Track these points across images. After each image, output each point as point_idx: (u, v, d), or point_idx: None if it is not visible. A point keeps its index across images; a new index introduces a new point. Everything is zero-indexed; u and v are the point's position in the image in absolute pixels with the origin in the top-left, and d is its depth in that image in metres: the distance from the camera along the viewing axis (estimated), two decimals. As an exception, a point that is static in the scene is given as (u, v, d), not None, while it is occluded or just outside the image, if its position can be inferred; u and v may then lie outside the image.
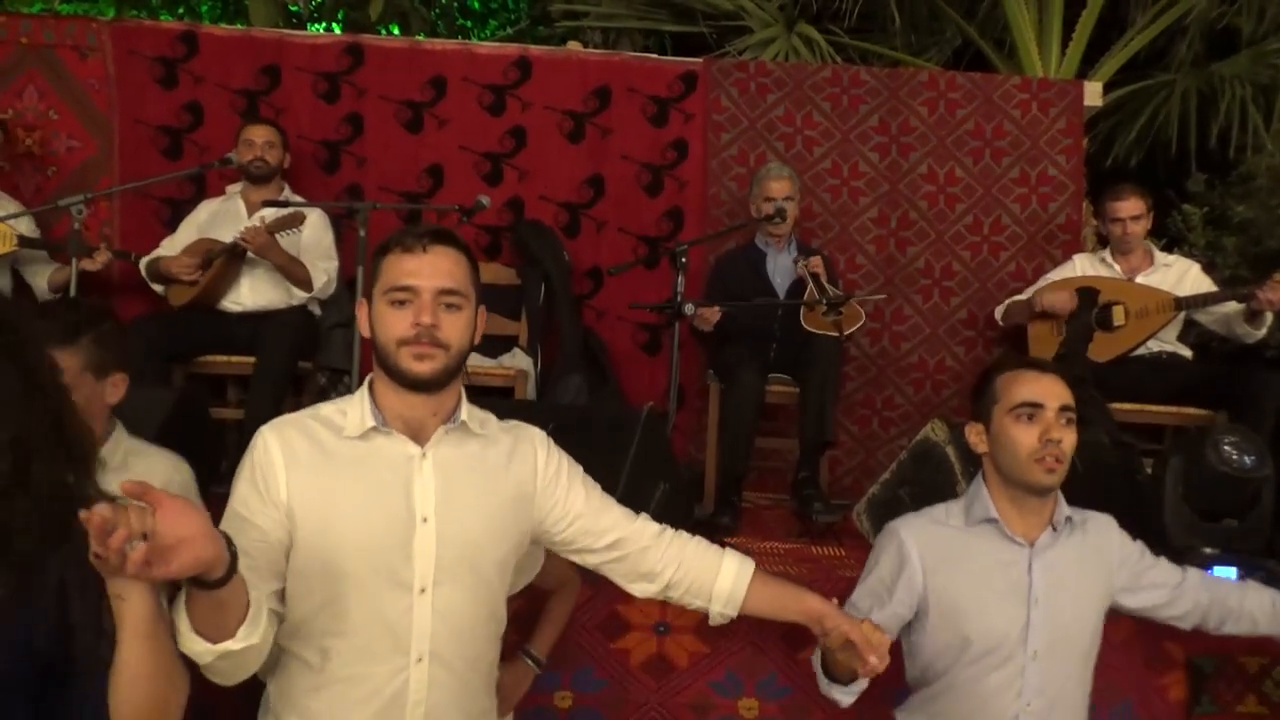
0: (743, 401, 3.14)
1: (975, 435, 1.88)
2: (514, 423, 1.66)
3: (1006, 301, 3.92)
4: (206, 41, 4.04)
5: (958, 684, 1.84)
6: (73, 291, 3.24)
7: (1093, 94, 4.31)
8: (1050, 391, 1.79)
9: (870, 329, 4.12)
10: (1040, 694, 1.79)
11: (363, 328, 1.53)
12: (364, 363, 3.28)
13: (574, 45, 4.28)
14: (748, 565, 1.67)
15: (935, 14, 5.80)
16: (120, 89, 3.99)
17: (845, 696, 1.79)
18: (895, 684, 2.00)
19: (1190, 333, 3.81)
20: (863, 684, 1.76)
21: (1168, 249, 4.43)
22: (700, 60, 4.26)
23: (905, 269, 4.20)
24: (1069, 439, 1.78)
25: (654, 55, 4.34)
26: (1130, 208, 3.65)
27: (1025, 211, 4.24)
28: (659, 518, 2.32)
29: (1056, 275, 3.85)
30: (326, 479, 1.47)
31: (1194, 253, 5.21)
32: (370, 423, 1.49)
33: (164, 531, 1.11)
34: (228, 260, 3.44)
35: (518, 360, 3.73)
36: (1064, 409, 1.79)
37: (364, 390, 1.53)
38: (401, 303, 1.46)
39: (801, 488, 3.16)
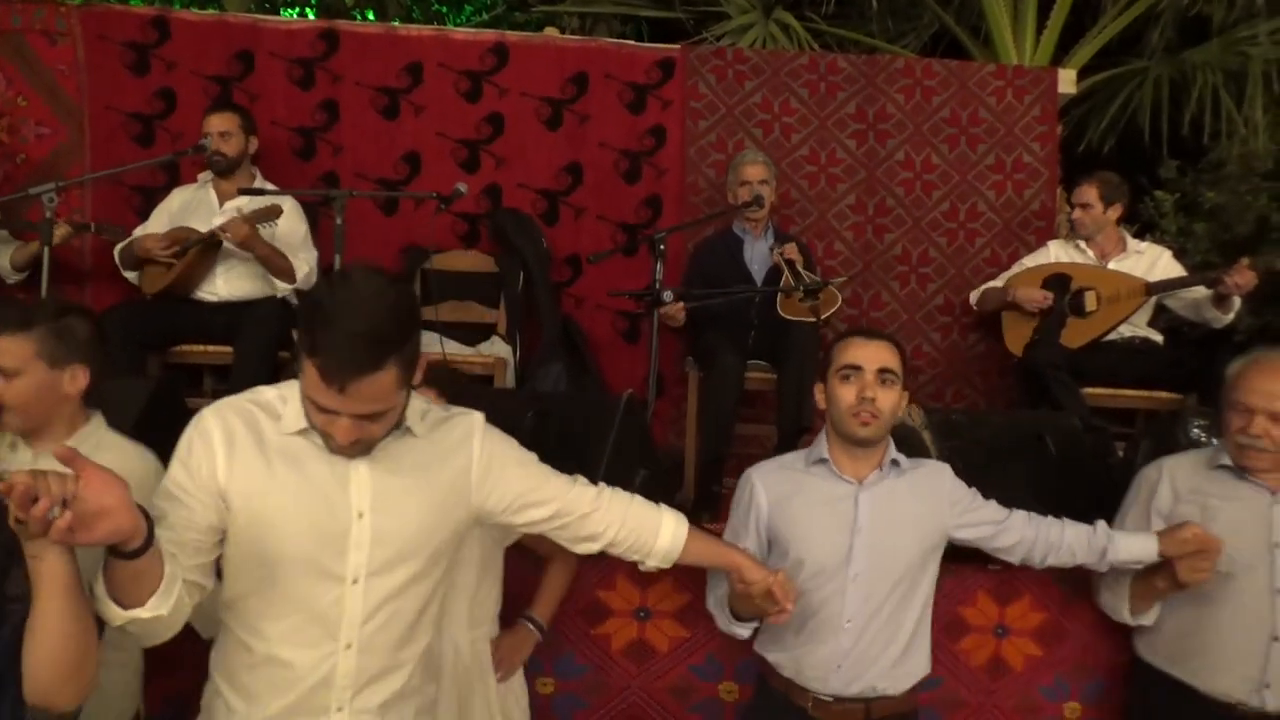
0: (723, 387, 3.15)
1: (819, 393, 2.11)
2: (454, 411, 1.65)
3: (982, 287, 3.96)
4: (178, 27, 3.98)
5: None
6: (44, 278, 3.19)
7: (1066, 81, 4.34)
8: (870, 355, 2.01)
9: (847, 315, 4.15)
10: (857, 614, 2.00)
11: None
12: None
13: (551, 31, 4.25)
14: (684, 523, 1.79)
15: (912, 0, 5.82)
16: (91, 75, 3.93)
17: (744, 630, 2.06)
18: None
19: (1161, 318, 3.86)
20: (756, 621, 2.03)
21: (1140, 235, 4.48)
22: (678, 47, 4.25)
23: (882, 255, 4.23)
24: (885, 398, 1.99)
25: (631, 42, 4.32)
26: (1078, 195, 3.75)
27: (1000, 198, 4.27)
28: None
29: (1031, 261, 3.89)
30: (265, 467, 1.47)
31: (1165, 239, 5.28)
32: (303, 424, 1.48)
33: (88, 498, 1.19)
34: (203, 250, 3.41)
35: (496, 348, 3.73)
36: (883, 371, 2.00)
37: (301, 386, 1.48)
38: (324, 411, 1.40)
39: (780, 473, 3.18)
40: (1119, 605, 2.27)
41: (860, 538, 2.01)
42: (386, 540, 1.51)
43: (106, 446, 1.85)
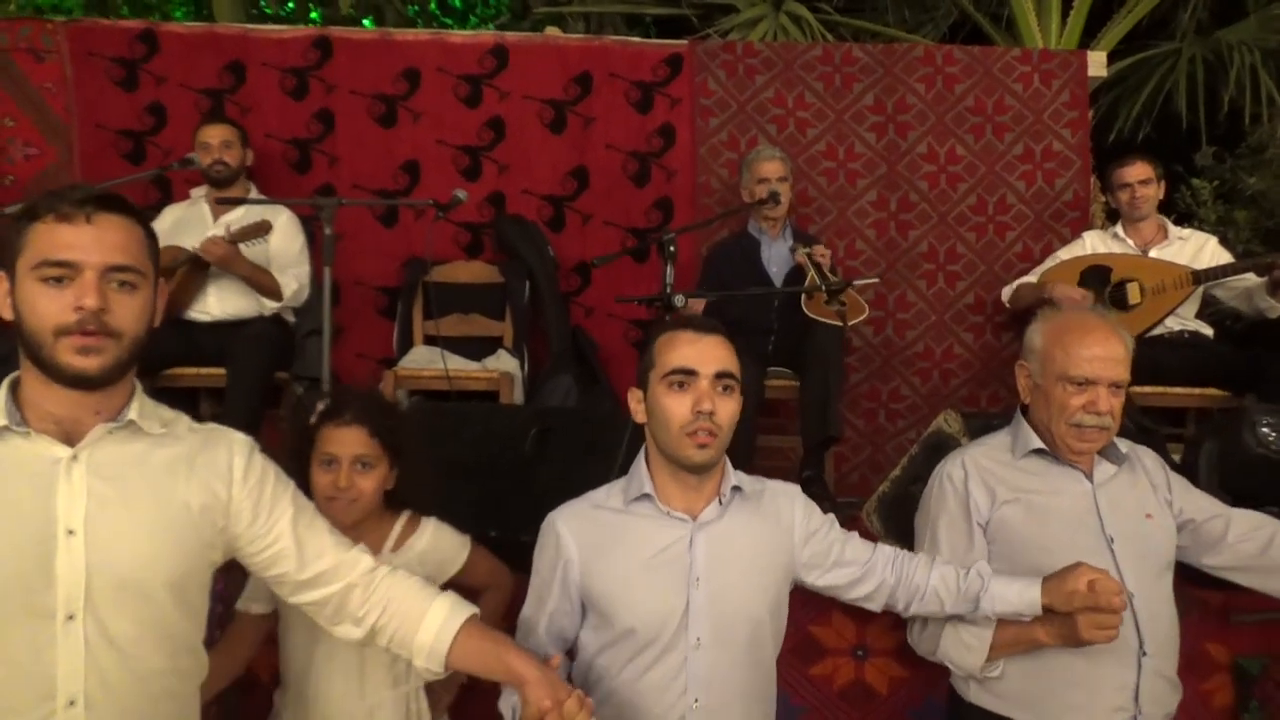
0: (742, 397, 2.94)
1: (635, 402, 1.69)
2: (211, 426, 1.44)
3: (1015, 283, 3.74)
4: (167, 40, 3.86)
5: (617, 688, 1.62)
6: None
7: (1097, 64, 4.12)
8: (706, 356, 1.60)
9: (873, 317, 3.93)
10: (708, 687, 1.59)
11: (2, 308, 1.28)
12: (337, 369, 3.12)
13: (552, 30, 4.08)
14: (457, 615, 1.45)
15: (930, -13, 5.62)
16: (78, 92, 3.81)
17: None
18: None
19: (1205, 310, 3.62)
20: None
21: (1177, 225, 4.24)
22: (685, 42, 4.07)
23: (907, 253, 4.01)
24: (725, 409, 1.60)
25: (636, 38, 4.14)
26: (1137, 172, 3.51)
27: (1031, 189, 4.05)
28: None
29: (1066, 254, 3.67)
30: None
31: (1204, 228, 5.03)
32: (2, 421, 1.26)
33: None
34: (191, 269, 3.25)
35: (502, 362, 3.54)
36: (722, 375, 1.61)
37: (5, 386, 1.30)
38: (59, 280, 1.22)
39: (807, 487, 2.96)
40: (969, 657, 1.80)
41: (699, 591, 1.60)
42: (106, 565, 1.25)
43: None
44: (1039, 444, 1.88)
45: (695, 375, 1.59)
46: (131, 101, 3.84)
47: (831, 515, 1.81)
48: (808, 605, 2.10)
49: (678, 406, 1.58)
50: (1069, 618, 1.68)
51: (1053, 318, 1.91)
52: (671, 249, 2.81)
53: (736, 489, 1.69)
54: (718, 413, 1.58)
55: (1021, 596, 1.70)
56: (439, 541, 1.89)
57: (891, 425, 3.99)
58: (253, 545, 1.40)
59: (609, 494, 1.71)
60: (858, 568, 1.74)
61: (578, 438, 2.44)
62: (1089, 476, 1.88)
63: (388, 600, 1.43)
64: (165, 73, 3.84)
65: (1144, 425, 2.96)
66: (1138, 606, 1.77)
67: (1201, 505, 1.96)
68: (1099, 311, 1.92)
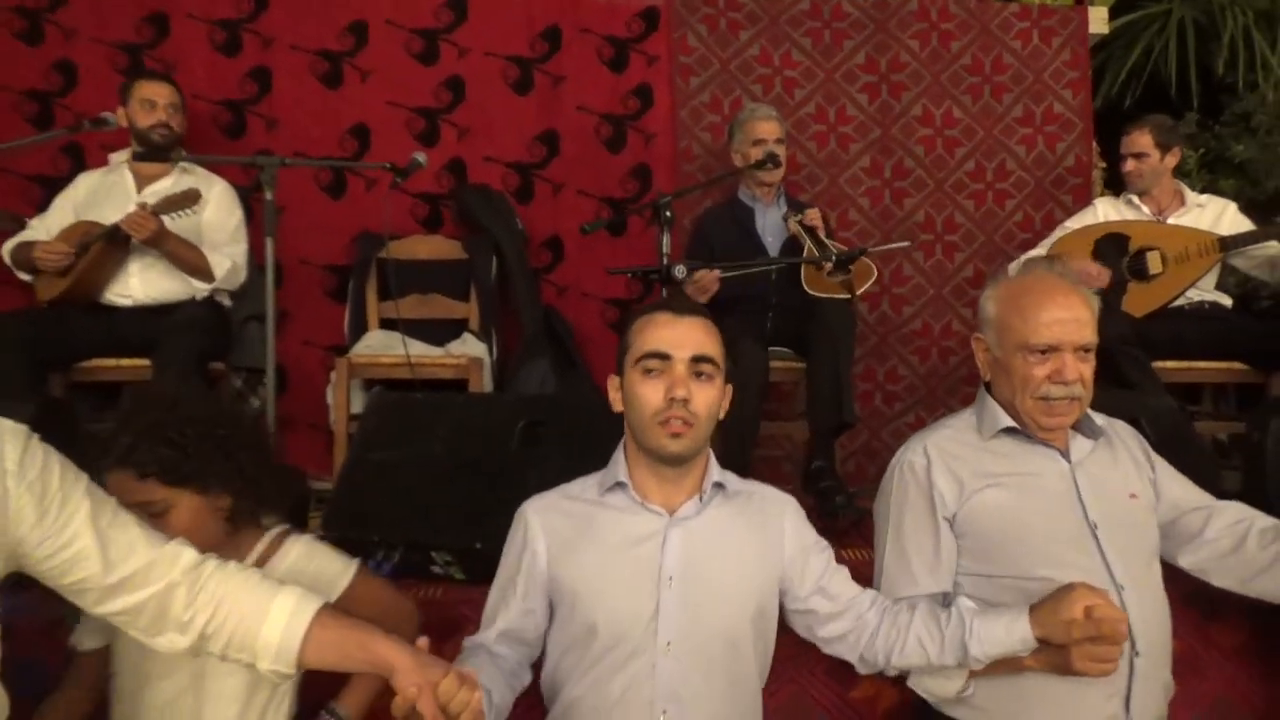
0: (746, 381, 2.62)
1: (614, 390, 1.60)
2: None
3: (1023, 258, 3.44)
4: (77, -14, 3.40)
5: (580, 695, 1.50)
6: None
7: (1098, 20, 3.90)
8: (682, 339, 1.51)
9: (867, 293, 3.64)
10: (675, 698, 1.46)
11: None
12: (282, 358, 2.73)
13: (516, -20, 3.70)
14: (308, 605, 1.26)
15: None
16: (-27, 47, 3.34)
17: None
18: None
19: (1222, 280, 3.40)
20: None
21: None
22: (661, -5, 3.73)
23: (903, 223, 3.74)
24: (702, 396, 1.50)
25: (609, -10, 3.78)
26: (1128, 143, 3.31)
27: (1031, 154, 3.80)
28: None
29: (1075, 223, 3.42)
30: None
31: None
32: None
33: None
34: (108, 245, 2.83)
35: (469, 347, 3.18)
36: (698, 360, 1.50)
37: None
38: None
39: (818, 479, 2.68)
40: (947, 685, 1.61)
41: (670, 591, 1.48)
42: None
43: None
44: (1009, 422, 1.70)
45: (669, 359, 1.50)
46: (37, 58, 3.38)
47: (826, 542, 1.66)
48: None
49: (651, 393, 1.49)
50: (1061, 646, 1.49)
51: (1006, 282, 1.75)
52: (668, 214, 2.48)
53: (719, 486, 1.58)
54: (693, 400, 1.48)
55: (1010, 632, 1.51)
56: (310, 561, 1.57)
57: (888, 408, 3.73)
58: (42, 548, 1.17)
59: (584, 486, 1.62)
60: (841, 602, 1.62)
61: (570, 430, 2.10)
62: (1065, 455, 1.70)
63: (220, 598, 1.23)
64: (75, 25, 3.39)
65: (1181, 404, 2.74)
66: (1128, 600, 1.57)
67: (1185, 495, 1.79)
68: (1057, 270, 1.73)
